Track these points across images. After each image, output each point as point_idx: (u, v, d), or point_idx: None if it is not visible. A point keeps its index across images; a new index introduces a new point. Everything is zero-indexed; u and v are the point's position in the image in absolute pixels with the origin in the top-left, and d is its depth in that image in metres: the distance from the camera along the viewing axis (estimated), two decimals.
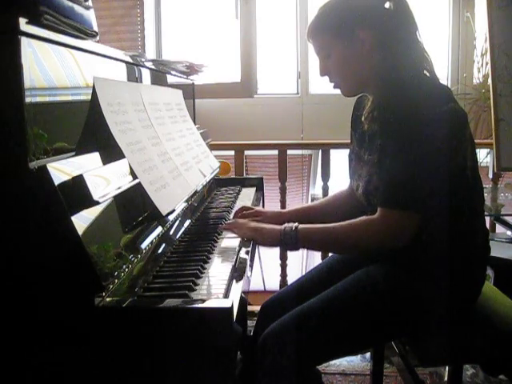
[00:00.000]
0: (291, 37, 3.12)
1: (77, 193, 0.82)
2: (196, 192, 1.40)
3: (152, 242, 1.06)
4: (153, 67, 1.50)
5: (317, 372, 1.37)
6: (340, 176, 2.20)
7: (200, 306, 0.82)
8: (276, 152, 2.61)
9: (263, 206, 1.91)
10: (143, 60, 1.43)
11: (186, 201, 1.29)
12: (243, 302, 0.99)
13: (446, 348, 1.21)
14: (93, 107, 1.01)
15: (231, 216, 1.50)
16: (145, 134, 1.20)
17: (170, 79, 1.72)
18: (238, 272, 1.06)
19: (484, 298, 1.28)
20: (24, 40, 0.79)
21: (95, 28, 1.11)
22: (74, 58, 0.98)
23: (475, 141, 1.26)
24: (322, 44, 1.25)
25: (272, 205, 2.71)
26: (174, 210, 1.13)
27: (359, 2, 1.22)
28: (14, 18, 0.77)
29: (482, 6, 2.57)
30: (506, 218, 2.18)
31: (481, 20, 2.78)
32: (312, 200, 3.07)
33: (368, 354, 2.13)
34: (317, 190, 3.16)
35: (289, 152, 2.62)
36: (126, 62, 1.29)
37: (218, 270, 1.07)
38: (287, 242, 1.22)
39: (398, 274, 1.20)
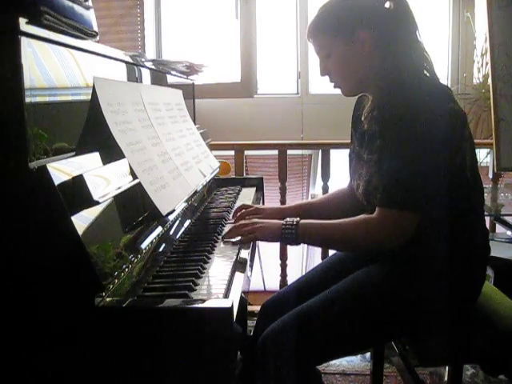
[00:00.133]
0: (291, 37, 3.12)
1: (77, 193, 0.82)
2: (196, 192, 1.40)
3: (152, 242, 1.06)
4: (153, 67, 1.50)
5: (317, 372, 1.37)
6: (340, 176, 2.20)
7: (200, 306, 0.82)
8: (276, 152, 2.61)
9: None
10: (143, 60, 1.43)
11: (186, 201, 1.29)
12: (243, 302, 0.99)
13: (446, 348, 1.22)
14: (93, 107, 1.01)
15: (231, 216, 1.50)
16: (145, 133, 1.20)
17: (170, 79, 1.72)
18: (238, 272, 1.06)
19: (484, 298, 1.28)
20: (24, 40, 0.79)
21: (95, 28, 1.11)
22: (74, 58, 0.98)
23: (475, 141, 1.26)
24: (322, 44, 1.25)
25: (272, 205, 2.70)
26: (173, 210, 1.13)
27: (359, 2, 1.22)
28: (13, 18, 0.77)
29: (481, 6, 2.57)
30: (506, 218, 2.18)
31: (481, 20, 2.78)
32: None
33: (368, 354, 2.13)
34: (317, 189, 3.16)
35: (289, 152, 2.62)
36: (126, 62, 1.29)
37: (217, 270, 1.08)
38: (288, 237, 1.22)
39: (397, 274, 1.20)
